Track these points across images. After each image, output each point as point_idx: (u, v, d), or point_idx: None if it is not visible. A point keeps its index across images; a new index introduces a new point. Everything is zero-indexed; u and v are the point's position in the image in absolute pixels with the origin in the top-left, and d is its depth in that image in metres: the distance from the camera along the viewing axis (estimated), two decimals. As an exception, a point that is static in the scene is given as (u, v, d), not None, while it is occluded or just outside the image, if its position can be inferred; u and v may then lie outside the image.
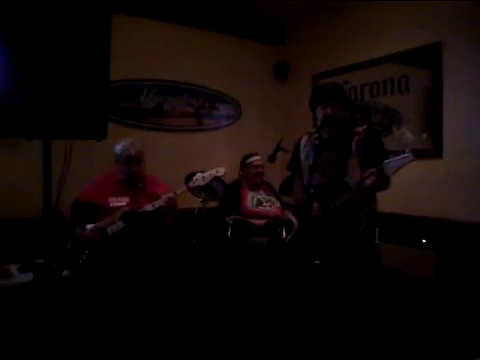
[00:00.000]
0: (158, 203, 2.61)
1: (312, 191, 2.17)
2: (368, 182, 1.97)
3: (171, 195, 2.64)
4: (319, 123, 2.25)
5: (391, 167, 1.90)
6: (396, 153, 1.92)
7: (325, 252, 2.15)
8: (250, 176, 3.37)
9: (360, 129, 2.21)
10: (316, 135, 2.19)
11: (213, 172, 2.72)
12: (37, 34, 1.44)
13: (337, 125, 2.25)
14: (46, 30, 1.45)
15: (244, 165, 3.41)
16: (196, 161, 3.61)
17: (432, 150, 3.35)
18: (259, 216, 3.18)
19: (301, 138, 2.46)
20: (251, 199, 3.28)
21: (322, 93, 2.30)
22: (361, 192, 2.07)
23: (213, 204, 3.30)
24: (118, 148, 2.74)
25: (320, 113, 2.26)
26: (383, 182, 2.01)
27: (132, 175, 2.74)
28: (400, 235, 3.28)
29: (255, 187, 3.37)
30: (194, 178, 2.72)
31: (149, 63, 3.83)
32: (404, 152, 1.87)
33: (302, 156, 2.41)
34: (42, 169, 1.60)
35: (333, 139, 2.26)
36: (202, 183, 2.71)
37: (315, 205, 2.24)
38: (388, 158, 1.92)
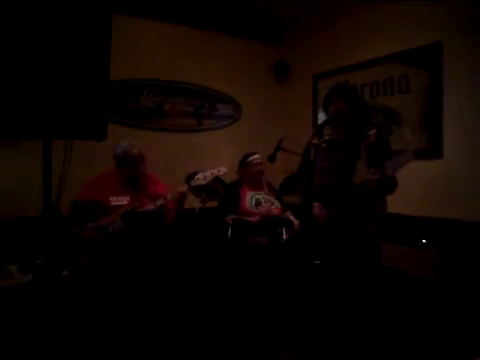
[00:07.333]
0: (160, 202, 2.60)
1: (320, 192, 2.19)
2: (370, 178, 2.00)
3: (184, 190, 2.65)
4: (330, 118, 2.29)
5: (391, 167, 1.92)
6: (397, 153, 1.95)
7: (329, 252, 2.16)
8: (252, 175, 3.32)
9: (371, 132, 2.23)
10: (327, 138, 2.23)
11: (214, 171, 2.72)
12: (37, 34, 1.44)
13: (346, 123, 2.27)
14: (46, 30, 1.45)
15: (245, 164, 3.35)
16: (196, 161, 3.61)
17: (432, 150, 3.35)
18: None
19: (311, 140, 2.46)
20: (250, 199, 3.25)
21: (333, 91, 2.35)
22: (366, 194, 2.08)
23: (213, 204, 3.30)
24: (119, 151, 2.72)
25: (331, 110, 2.30)
26: (389, 184, 2.04)
27: (138, 174, 2.72)
28: (400, 235, 3.28)
29: (256, 187, 3.33)
30: (195, 177, 2.71)
31: (149, 63, 3.83)
32: (404, 152, 1.89)
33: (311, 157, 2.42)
34: (42, 169, 1.60)
35: (342, 141, 2.28)
36: (203, 182, 2.70)
37: (316, 205, 2.24)
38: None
